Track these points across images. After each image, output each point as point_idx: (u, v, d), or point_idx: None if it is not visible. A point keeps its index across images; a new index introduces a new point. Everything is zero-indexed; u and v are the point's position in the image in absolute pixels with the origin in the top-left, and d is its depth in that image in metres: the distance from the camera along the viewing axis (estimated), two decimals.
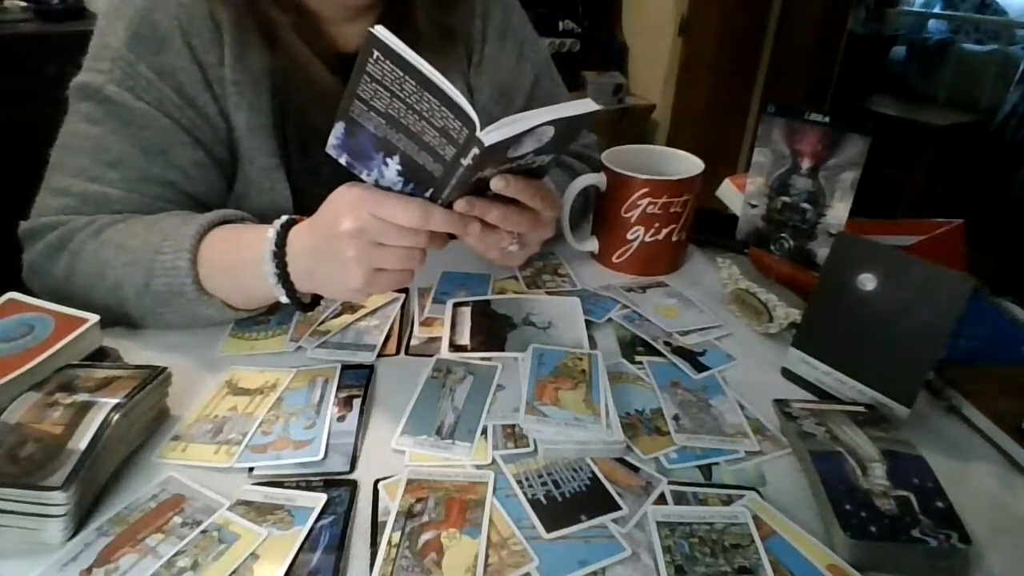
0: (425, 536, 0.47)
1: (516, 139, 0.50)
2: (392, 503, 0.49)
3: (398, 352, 0.67)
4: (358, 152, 0.55)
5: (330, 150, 0.55)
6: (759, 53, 2.71)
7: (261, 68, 0.70)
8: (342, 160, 0.56)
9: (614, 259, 0.83)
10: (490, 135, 0.48)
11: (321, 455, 0.53)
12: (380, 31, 0.47)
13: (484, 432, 0.56)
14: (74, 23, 1.84)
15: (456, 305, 0.73)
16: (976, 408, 0.60)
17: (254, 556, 0.45)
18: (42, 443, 0.47)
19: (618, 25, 2.59)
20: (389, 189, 0.56)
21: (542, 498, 0.50)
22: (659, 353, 0.68)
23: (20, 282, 0.69)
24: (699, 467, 0.54)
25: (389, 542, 0.46)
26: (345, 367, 0.63)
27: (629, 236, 0.81)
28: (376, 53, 0.48)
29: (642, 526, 0.48)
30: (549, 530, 0.47)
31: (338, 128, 0.54)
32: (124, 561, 0.44)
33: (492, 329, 0.69)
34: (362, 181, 0.56)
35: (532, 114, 0.50)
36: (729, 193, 0.85)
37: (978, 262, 0.75)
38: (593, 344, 0.68)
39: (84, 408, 0.50)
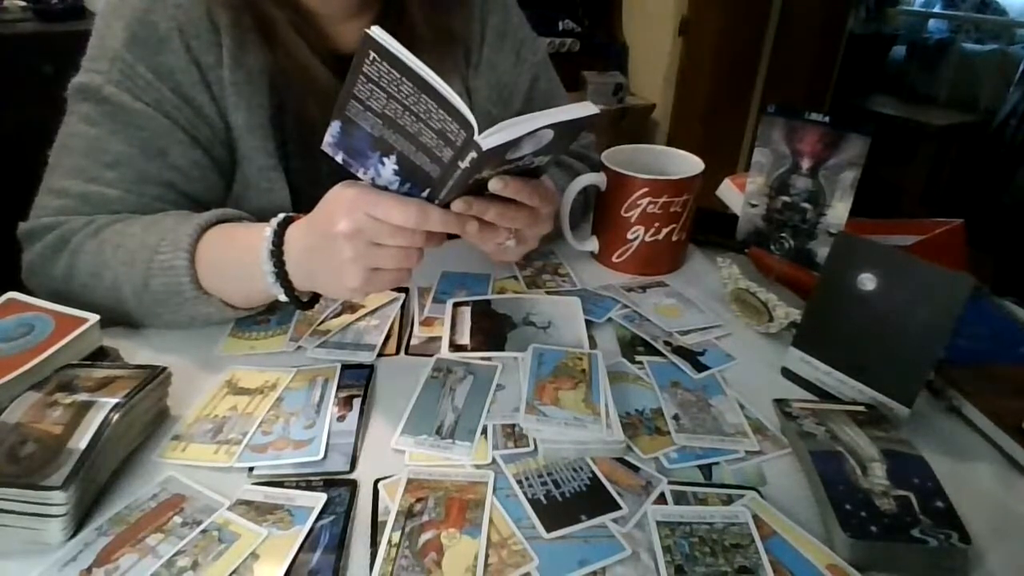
0: (425, 536, 0.47)
1: (515, 142, 0.50)
2: (392, 503, 0.49)
3: (398, 352, 0.67)
4: (354, 151, 0.55)
5: (326, 147, 0.55)
6: (759, 53, 2.71)
7: (259, 68, 0.70)
8: (338, 158, 0.56)
9: (614, 259, 0.83)
10: (488, 139, 0.48)
11: (321, 455, 0.53)
12: (376, 32, 0.47)
13: (484, 432, 0.56)
14: (74, 23, 1.84)
15: (456, 305, 0.73)
16: (976, 408, 0.60)
17: (254, 556, 0.45)
18: (42, 443, 0.47)
19: (618, 25, 2.59)
20: (386, 188, 0.56)
21: (542, 498, 0.50)
22: (659, 353, 0.68)
23: (20, 282, 0.69)
24: (699, 467, 0.54)
25: (389, 542, 0.46)
26: (345, 367, 0.63)
27: (629, 236, 0.81)
28: (372, 54, 0.48)
29: (642, 526, 0.48)
30: (549, 530, 0.47)
31: (334, 126, 0.54)
32: (124, 561, 0.44)
33: (492, 329, 0.69)
34: (359, 179, 0.56)
35: (531, 117, 0.50)
36: (729, 193, 0.85)
37: (978, 262, 0.75)
38: (593, 344, 0.68)
39: (84, 408, 0.50)
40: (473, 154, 0.48)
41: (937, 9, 3.62)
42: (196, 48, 0.68)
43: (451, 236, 0.59)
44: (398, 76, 0.48)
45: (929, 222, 0.77)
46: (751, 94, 2.78)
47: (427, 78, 0.47)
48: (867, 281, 0.59)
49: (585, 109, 0.54)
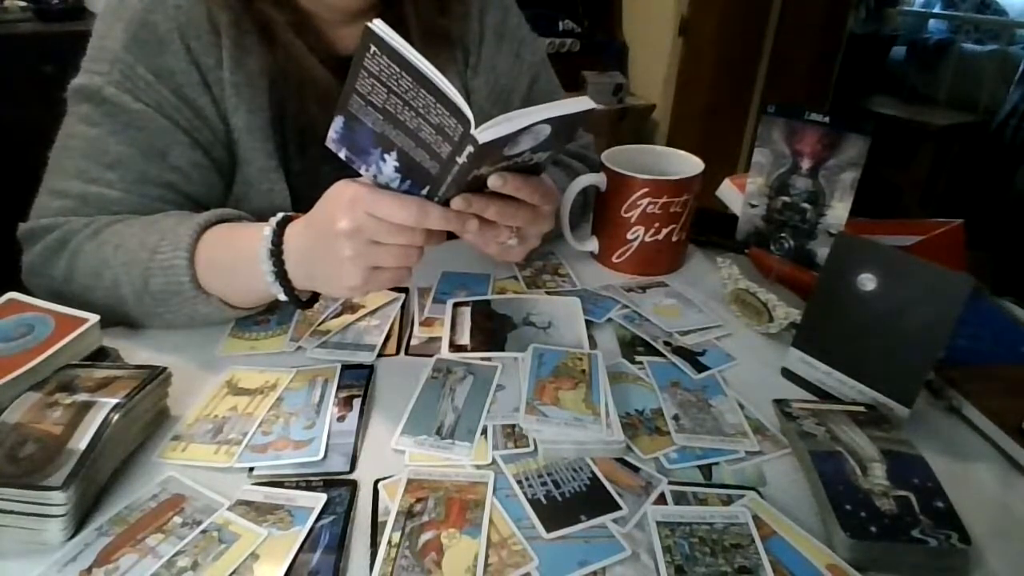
0: (425, 536, 0.47)
1: (512, 137, 0.50)
2: (392, 503, 0.49)
3: (398, 352, 0.67)
4: (357, 147, 0.55)
5: (330, 143, 0.55)
6: (759, 53, 2.71)
7: (259, 69, 0.70)
8: (341, 154, 0.56)
9: (614, 259, 0.83)
10: (485, 133, 0.48)
11: (321, 455, 0.53)
12: (378, 26, 0.47)
13: (484, 432, 0.56)
14: (74, 23, 1.84)
15: (456, 305, 0.73)
16: (976, 408, 0.60)
17: (254, 556, 0.45)
18: (42, 443, 0.47)
19: (618, 25, 2.59)
20: (387, 185, 0.56)
21: (542, 498, 0.50)
22: (659, 353, 0.68)
23: (20, 282, 0.69)
24: (699, 467, 0.54)
25: (389, 542, 0.46)
26: (345, 367, 0.63)
27: (629, 236, 0.81)
28: (373, 48, 0.48)
29: (642, 526, 0.48)
30: (549, 530, 0.47)
31: (337, 122, 0.54)
32: (124, 561, 0.44)
33: (492, 329, 0.69)
34: (360, 176, 0.56)
35: (528, 112, 0.50)
36: (729, 193, 0.85)
37: (978, 262, 0.75)
38: (593, 344, 0.68)
39: (84, 408, 0.50)
40: (470, 148, 0.48)
41: (937, 9, 3.62)
42: (196, 49, 0.68)
43: (451, 235, 0.59)
44: (398, 71, 0.48)
45: (929, 222, 0.77)
46: (751, 94, 2.78)
47: (426, 72, 0.47)
48: (867, 281, 0.59)
49: (582, 104, 0.54)
